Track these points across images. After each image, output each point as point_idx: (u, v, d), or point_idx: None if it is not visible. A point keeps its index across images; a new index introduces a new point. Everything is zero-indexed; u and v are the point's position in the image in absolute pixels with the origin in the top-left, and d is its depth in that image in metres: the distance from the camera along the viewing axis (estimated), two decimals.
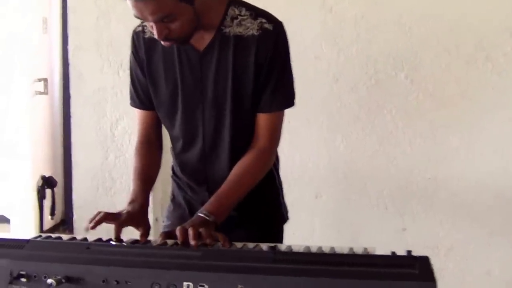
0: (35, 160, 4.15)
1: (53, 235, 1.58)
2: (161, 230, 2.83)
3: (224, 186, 1.64)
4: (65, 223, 3.39)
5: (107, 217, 1.54)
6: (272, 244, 1.46)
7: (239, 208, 1.70)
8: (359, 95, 2.84)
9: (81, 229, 2.72)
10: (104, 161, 2.92)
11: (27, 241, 1.30)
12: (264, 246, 1.31)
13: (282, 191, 1.91)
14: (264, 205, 1.83)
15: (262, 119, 1.69)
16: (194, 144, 1.74)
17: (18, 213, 3.50)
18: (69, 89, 2.99)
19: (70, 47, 2.94)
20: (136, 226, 1.59)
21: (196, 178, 1.80)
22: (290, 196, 1.93)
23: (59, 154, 4.34)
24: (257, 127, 1.70)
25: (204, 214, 1.55)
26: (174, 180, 1.89)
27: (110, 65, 2.87)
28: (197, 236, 1.43)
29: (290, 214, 1.93)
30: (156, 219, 2.90)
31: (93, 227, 1.50)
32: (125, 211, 1.58)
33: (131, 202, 1.64)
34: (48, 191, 1.85)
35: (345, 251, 1.43)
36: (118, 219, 1.55)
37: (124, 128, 2.90)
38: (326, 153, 2.88)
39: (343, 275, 1.13)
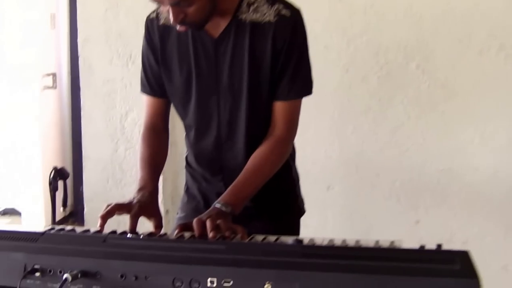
0: (45, 153, 4.09)
1: (66, 227, 1.48)
2: (172, 222, 2.76)
3: (241, 177, 1.55)
4: (74, 215, 3.33)
5: (119, 208, 1.44)
6: (295, 237, 1.36)
7: (255, 199, 1.62)
8: (370, 85, 2.75)
9: (92, 222, 2.64)
10: (114, 153, 2.83)
11: (42, 233, 1.20)
12: (289, 239, 1.21)
13: (298, 182, 1.82)
14: (281, 197, 1.75)
15: (279, 107, 1.60)
16: (209, 133, 1.66)
17: (29, 205, 3.43)
18: (79, 81, 2.90)
19: (79, 39, 2.85)
20: (148, 216, 1.50)
21: (211, 168, 1.71)
22: (302, 188, 1.85)
23: (69, 147, 4.28)
24: (274, 116, 1.61)
25: (221, 205, 1.46)
26: (188, 171, 1.80)
27: (119, 56, 2.78)
28: (215, 228, 1.35)
29: None
30: (167, 211, 2.81)
31: (104, 219, 1.40)
32: (135, 201, 1.48)
33: (140, 189, 1.54)
34: (60, 183, 1.76)
35: (371, 244, 1.34)
36: (130, 210, 1.45)
37: (133, 120, 2.80)
38: (338, 144, 2.78)
39: (378, 271, 1.04)
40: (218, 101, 1.61)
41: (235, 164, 1.64)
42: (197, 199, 1.76)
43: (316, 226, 2.67)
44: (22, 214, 4.20)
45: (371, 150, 2.76)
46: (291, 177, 1.78)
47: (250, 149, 1.61)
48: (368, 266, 1.05)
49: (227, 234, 1.34)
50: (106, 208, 1.42)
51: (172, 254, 1.10)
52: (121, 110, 2.81)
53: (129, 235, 1.28)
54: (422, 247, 1.21)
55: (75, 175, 3.28)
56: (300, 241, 1.17)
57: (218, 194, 1.55)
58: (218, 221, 1.37)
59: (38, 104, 3.89)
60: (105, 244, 1.14)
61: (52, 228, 1.46)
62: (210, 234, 1.32)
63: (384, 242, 1.35)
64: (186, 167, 1.81)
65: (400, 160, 2.74)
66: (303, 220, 1.83)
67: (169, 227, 2.81)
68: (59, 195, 1.77)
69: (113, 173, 2.83)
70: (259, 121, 1.62)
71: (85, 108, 2.86)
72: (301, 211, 1.81)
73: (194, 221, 1.38)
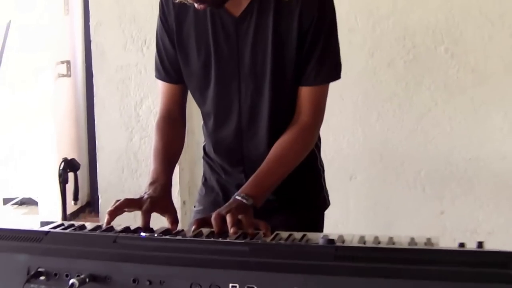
0: (59, 143, 4.00)
1: (76, 223, 1.37)
2: (190, 214, 2.64)
3: (263, 166, 1.43)
4: (92, 205, 3.26)
5: (128, 204, 1.32)
6: (324, 235, 1.23)
7: (278, 192, 1.50)
8: (396, 70, 2.63)
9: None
10: (128, 142, 2.72)
11: (46, 233, 1.08)
12: (319, 238, 1.08)
13: (324, 173, 1.69)
14: (305, 189, 1.62)
15: (305, 93, 1.47)
16: (229, 121, 1.53)
17: (45, 195, 3.35)
18: (91, 67, 2.78)
19: (91, 23, 2.73)
20: (162, 212, 1.38)
21: (231, 159, 1.58)
22: None
23: (84, 137, 4.19)
24: (299, 102, 1.48)
25: (242, 197, 1.33)
26: (206, 162, 1.67)
27: (133, 41, 2.66)
28: (236, 224, 1.24)
29: None
30: (184, 202, 2.70)
31: (112, 216, 1.30)
32: (147, 196, 1.36)
33: (152, 183, 1.41)
34: (70, 175, 1.65)
35: (405, 240, 1.21)
36: (141, 206, 1.33)
37: (149, 108, 2.68)
38: (361, 132, 2.65)
39: (419, 275, 0.91)
40: (239, 87, 1.48)
41: (256, 154, 1.51)
42: (216, 192, 1.64)
43: (338, 217, 2.55)
44: (39, 204, 4.14)
45: (396, 138, 2.64)
46: (317, 167, 1.65)
47: (273, 138, 1.49)
48: (408, 271, 0.92)
49: (249, 231, 1.24)
50: (115, 203, 1.31)
51: (190, 256, 0.98)
52: (135, 97, 2.69)
53: (142, 234, 1.16)
54: (462, 245, 1.07)
55: (91, 165, 3.19)
56: (331, 241, 1.04)
57: (239, 187, 1.43)
58: (240, 216, 1.25)
59: (52, 93, 3.81)
60: (115, 244, 1.02)
61: (61, 224, 1.36)
62: (231, 231, 1.21)
63: (420, 239, 1.22)
64: (203, 157, 1.69)
65: (426, 148, 2.63)
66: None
67: (186, 219, 2.71)
68: (70, 187, 1.66)
69: (128, 163, 2.72)
70: (283, 108, 1.49)
71: (98, 96, 2.74)
72: (326, 204, 1.68)
73: (213, 216, 1.27)
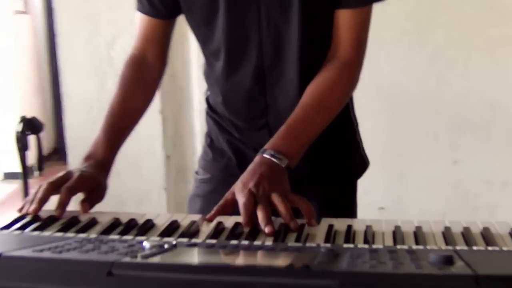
0: (20, 88, 3.45)
1: (43, 215, 0.92)
2: (175, 170, 2.20)
3: (298, 113, 1.03)
4: (58, 152, 2.86)
5: (52, 187, 0.97)
6: (397, 224, 0.81)
7: (309, 156, 1.09)
8: (406, 5, 2.19)
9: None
10: (100, 89, 2.20)
11: None
12: (431, 256, 0.63)
13: (358, 126, 1.27)
14: (341, 150, 1.21)
15: (344, 18, 1.07)
16: (246, 58, 1.09)
17: (7, 149, 2.83)
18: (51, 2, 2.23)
19: None
20: (87, 194, 1.02)
21: (249, 111, 1.14)
22: None
23: (47, 80, 3.66)
24: (337, 30, 1.08)
25: (272, 155, 0.96)
26: (211, 117, 1.22)
27: None
28: (271, 218, 0.86)
29: None
30: (168, 157, 2.23)
31: (37, 211, 0.94)
32: (77, 171, 1.02)
33: (88, 157, 1.07)
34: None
35: (503, 231, 0.82)
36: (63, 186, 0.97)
37: (123, 48, 2.14)
38: (369, 74, 2.18)
39: None
40: (258, 12, 1.05)
41: (285, 102, 1.10)
42: (227, 156, 1.19)
43: None
44: None
45: (406, 80, 2.23)
46: (350, 120, 1.23)
47: (305, 80, 1.08)
48: None
49: (291, 225, 0.86)
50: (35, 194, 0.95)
51: None
52: (107, 36, 2.16)
53: (145, 244, 0.70)
54: None
55: (56, 111, 2.73)
56: (449, 259, 0.61)
57: (259, 149, 1.00)
58: (274, 198, 0.89)
59: (8, 32, 3.26)
60: (111, 279, 0.57)
61: (21, 218, 0.89)
62: (266, 230, 0.84)
63: None
64: (207, 112, 1.24)
65: (440, 92, 2.22)
66: None
67: (171, 176, 2.26)
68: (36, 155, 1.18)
69: (101, 114, 2.20)
70: (316, 38, 1.08)
71: (61, 34, 2.19)
72: (366, 164, 1.27)
73: (240, 204, 0.88)
